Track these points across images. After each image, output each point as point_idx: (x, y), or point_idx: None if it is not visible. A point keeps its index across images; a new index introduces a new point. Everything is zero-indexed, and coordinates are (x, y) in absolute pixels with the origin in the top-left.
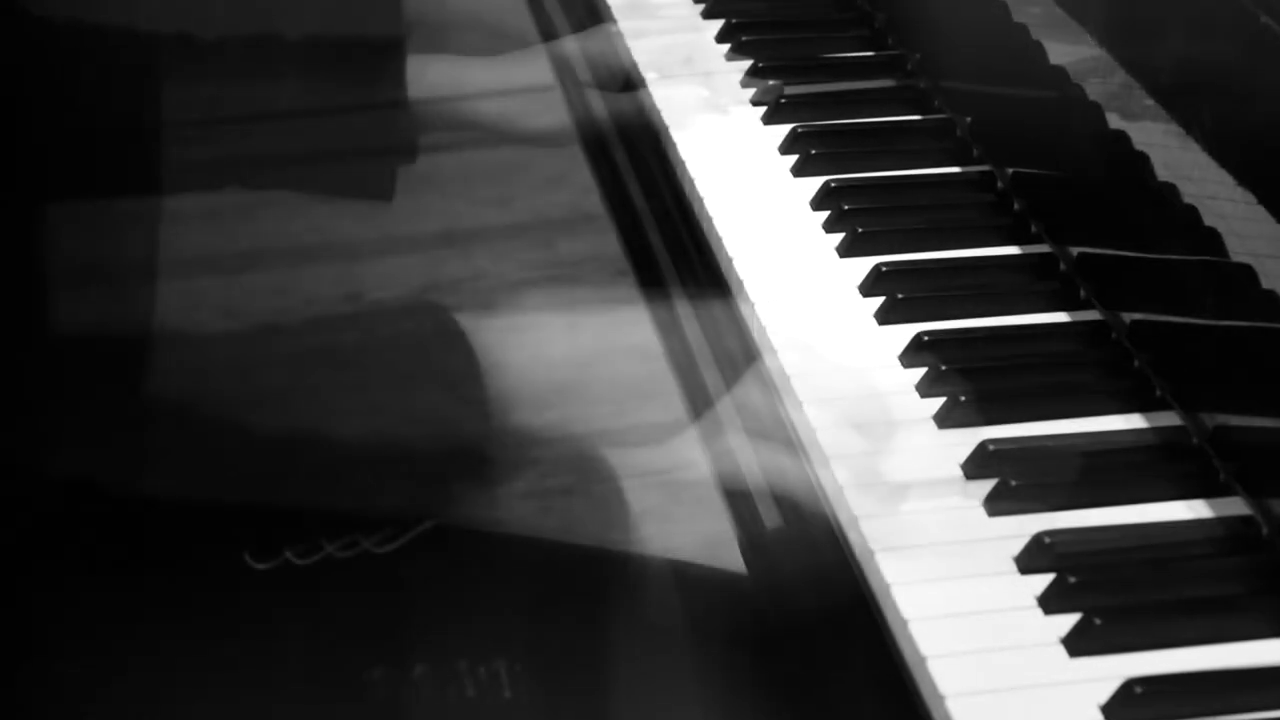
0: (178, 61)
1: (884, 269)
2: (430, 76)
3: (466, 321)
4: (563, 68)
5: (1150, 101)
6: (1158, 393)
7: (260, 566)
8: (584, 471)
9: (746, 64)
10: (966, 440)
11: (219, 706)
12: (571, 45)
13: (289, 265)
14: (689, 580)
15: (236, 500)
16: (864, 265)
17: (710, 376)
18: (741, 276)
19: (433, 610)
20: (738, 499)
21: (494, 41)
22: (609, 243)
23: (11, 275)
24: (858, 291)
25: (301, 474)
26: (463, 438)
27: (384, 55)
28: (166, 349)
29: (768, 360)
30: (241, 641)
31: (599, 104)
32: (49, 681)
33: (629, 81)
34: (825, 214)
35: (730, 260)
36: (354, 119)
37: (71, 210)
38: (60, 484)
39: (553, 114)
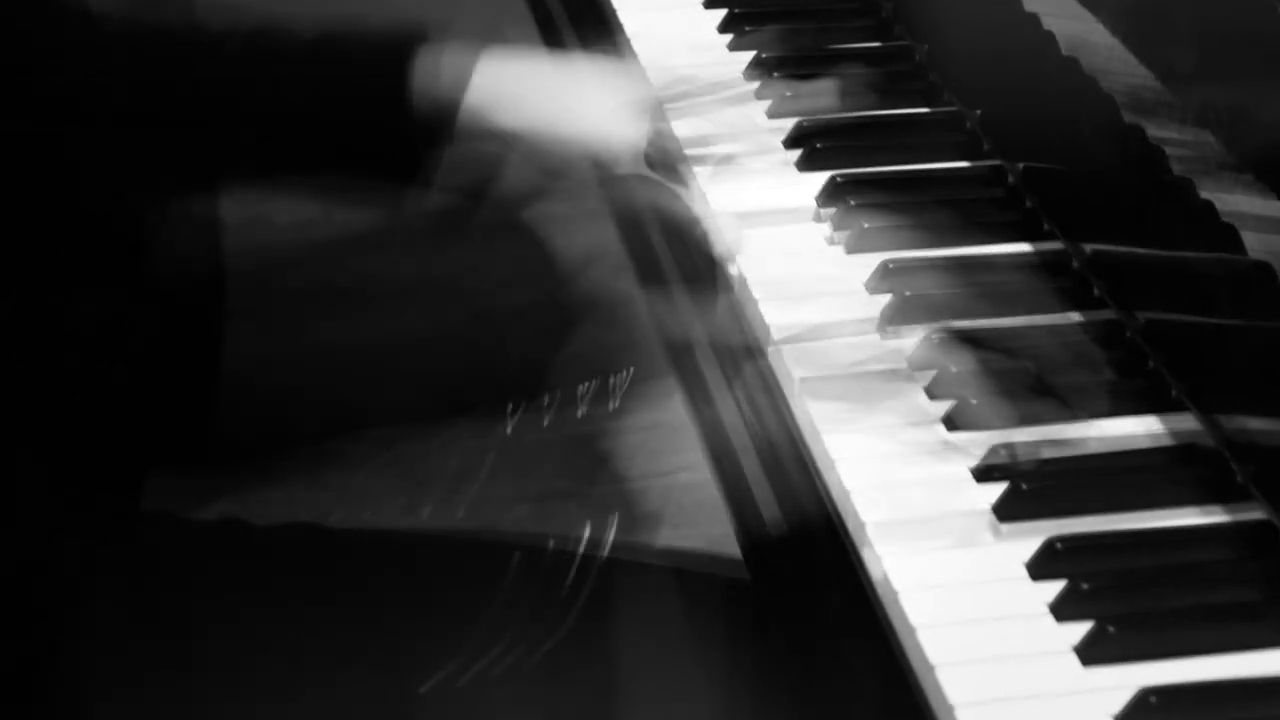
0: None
1: (890, 266)
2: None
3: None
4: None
5: (1166, 94)
6: (1173, 394)
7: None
8: (583, 474)
9: (749, 55)
10: (976, 443)
11: (210, 708)
12: (571, 43)
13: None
14: (690, 583)
15: (233, 500)
16: (871, 261)
17: (711, 374)
18: (744, 274)
19: (428, 616)
20: (740, 501)
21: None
22: (608, 239)
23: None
24: (863, 289)
25: (295, 477)
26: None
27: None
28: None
29: (771, 359)
30: (236, 641)
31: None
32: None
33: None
34: (831, 209)
35: (733, 258)
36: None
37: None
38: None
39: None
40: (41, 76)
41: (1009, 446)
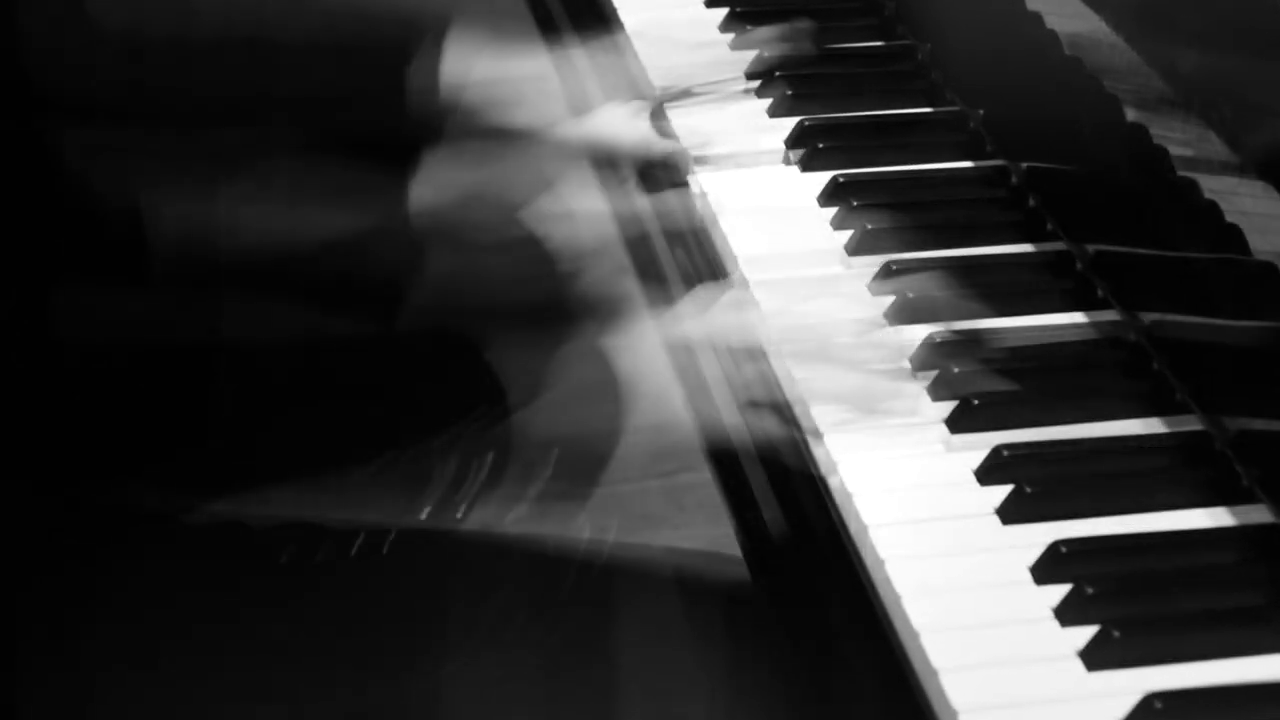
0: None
1: (893, 267)
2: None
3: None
4: (563, 64)
5: (1169, 93)
6: (1178, 395)
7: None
8: (582, 474)
9: (751, 54)
10: (979, 445)
11: (210, 708)
12: (571, 41)
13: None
14: (690, 584)
15: (232, 501)
16: (873, 262)
17: (712, 374)
18: (745, 274)
19: (428, 616)
20: (741, 502)
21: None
22: (608, 239)
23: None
24: (866, 290)
25: (293, 477)
26: (459, 440)
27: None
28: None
29: (772, 360)
30: (237, 641)
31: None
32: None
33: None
34: (834, 210)
35: (735, 258)
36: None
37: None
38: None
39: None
40: (38, 75)
41: (1012, 448)
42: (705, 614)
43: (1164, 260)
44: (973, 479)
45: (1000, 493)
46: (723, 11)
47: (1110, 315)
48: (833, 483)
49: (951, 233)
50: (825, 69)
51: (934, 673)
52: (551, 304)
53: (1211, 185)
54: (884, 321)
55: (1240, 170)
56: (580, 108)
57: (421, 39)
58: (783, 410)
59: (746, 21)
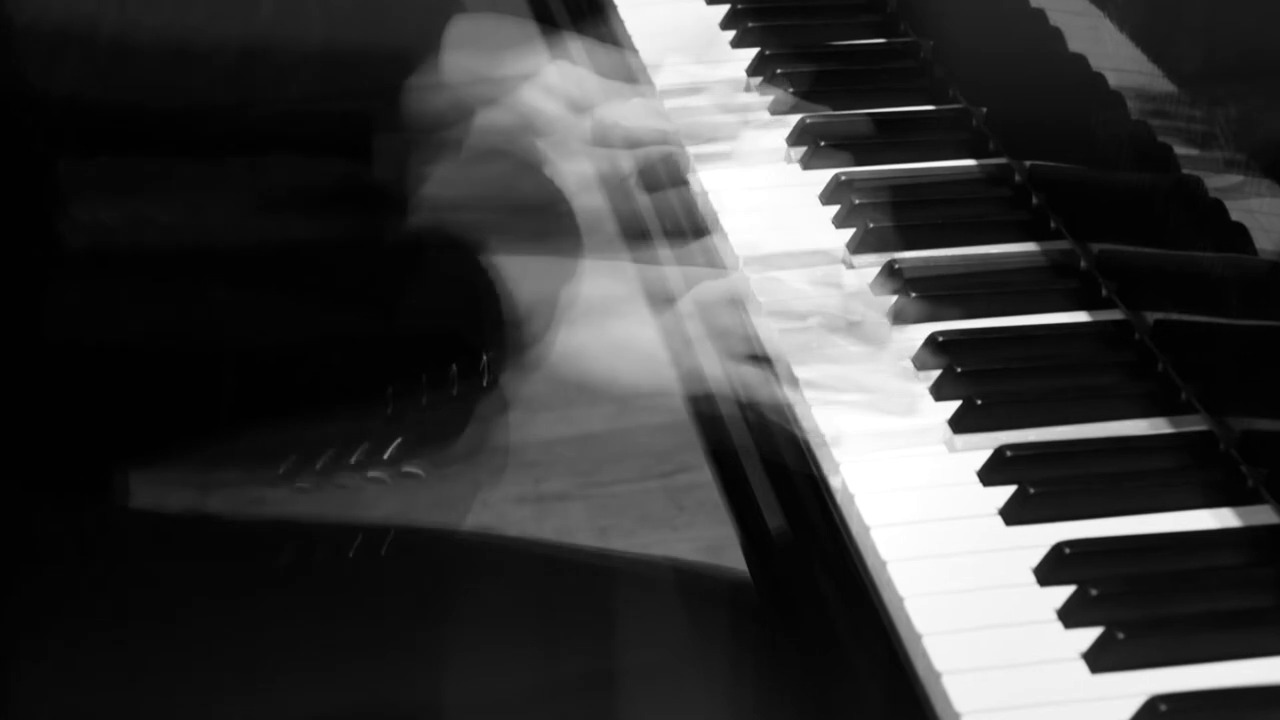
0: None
1: (896, 266)
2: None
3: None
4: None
5: (1174, 90)
6: (1183, 396)
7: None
8: (583, 474)
9: (752, 52)
10: (982, 446)
11: (207, 709)
12: (571, 38)
13: None
14: (690, 587)
15: (230, 500)
16: (875, 261)
17: (713, 374)
18: (746, 274)
19: (425, 619)
20: (741, 503)
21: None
22: (608, 238)
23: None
24: (868, 289)
25: (292, 477)
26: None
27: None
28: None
29: (774, 360)
30: (235, 641)
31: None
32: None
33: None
34: (835, 208)
35: (736, 257)
36: None
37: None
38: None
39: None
40: (33, 74)
41: (1016, 449)
42: (705, 615)
43: (1168, 259)
44: (976, 479)
45: (1003, 493)
46: (724, 9)
47: (1114, 314)
48: (834, 483)
49: (954, 231)
50: (827, 66)
51: (937, 675)
52: (550, 304)
53: (1216, 184)
54: (886, 321)
55: (1245, 168)
56: (580, 106)
57: (421, 38)
58: (783, 410)
59: (748, 19)
